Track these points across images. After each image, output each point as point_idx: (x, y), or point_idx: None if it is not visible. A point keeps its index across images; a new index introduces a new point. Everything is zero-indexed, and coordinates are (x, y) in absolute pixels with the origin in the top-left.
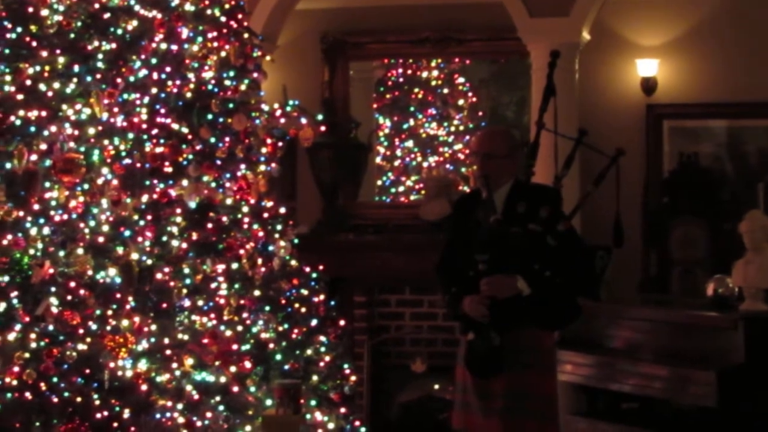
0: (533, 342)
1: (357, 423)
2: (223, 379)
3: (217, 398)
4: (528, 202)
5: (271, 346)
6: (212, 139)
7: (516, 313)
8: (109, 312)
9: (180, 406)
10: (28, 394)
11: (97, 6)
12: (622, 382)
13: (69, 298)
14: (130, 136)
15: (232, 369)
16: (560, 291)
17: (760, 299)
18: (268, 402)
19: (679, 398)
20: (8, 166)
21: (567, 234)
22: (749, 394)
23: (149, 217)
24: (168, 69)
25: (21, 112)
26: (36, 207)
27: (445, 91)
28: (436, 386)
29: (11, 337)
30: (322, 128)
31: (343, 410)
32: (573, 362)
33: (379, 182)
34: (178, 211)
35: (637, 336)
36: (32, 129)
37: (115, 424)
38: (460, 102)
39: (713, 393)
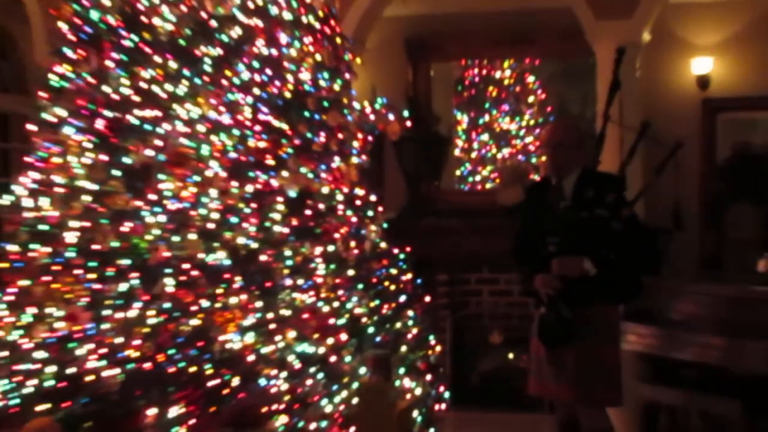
0: (599, 316)
1: (441, 389)
2: (321, 350)
3: (316, 367)
4: (595, 188)
5: (364, 320)
6: (309, 134)
7: (583, 290)
8: (219, 290)
9: (283, 374)
10: (147, 365)
11: (204, 15)
12: (682, 351)
13: (182, 278)
14: (236, 132)
15: (330, 341)
16: (624, 271)
17: None
18: (362, 370)
19: (734, 366)
20: (127, 160)
21: (631, 219)
22: None
23: (254, 205)
24: (268, 71)
25: (137, 112)
26: (152, 197)
27: (517, 88)
28: (511, 356)
29: (132, 314)
30: (407, 123)
31: (428, 377)
32: (637, 333)
33: (458, 172)
34: (280, 199)
35: (696, 309)
36: (147, 127)
37: (225, 392)
38: (531, 99)
39: (766, 361)
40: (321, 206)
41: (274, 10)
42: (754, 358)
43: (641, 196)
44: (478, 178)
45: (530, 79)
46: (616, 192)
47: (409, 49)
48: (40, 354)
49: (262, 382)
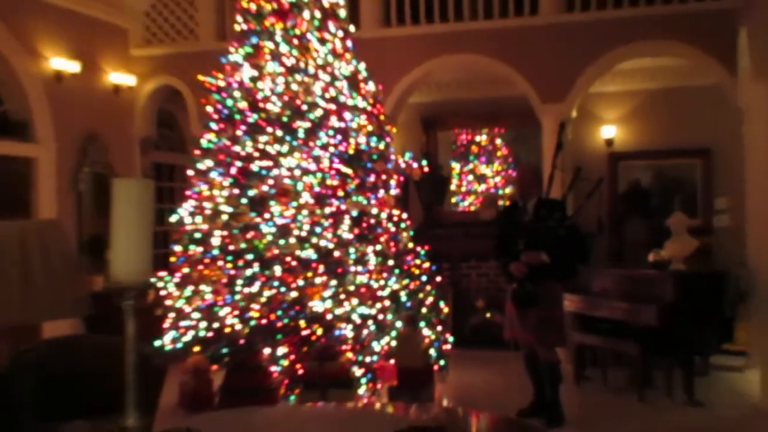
0: (551, 289)
1: (447, 335)
2: (372, 311)
3: (370, 322)
4: (547, 209)
5: (400, 292)
6: (364, 176)
7: (540, 273)
8: (308, 274)
9: (349, 327)
10: (263, 321)
11: (298, 102)
12: (599, 311)
13: (286, 267)
14: (318, 175)
15: (378, 305)
16: (565, 260)
17: (681, 263)
18: (398, 324)
19: (632, 320)
20: (251, 193)
21: (570, 228)
22: (677, 318)
23: (330, 221)
24: (339, 136)
25: (257, 163)
26: (266, 216)
27: (490, 147)
28: (489, 315)
29: (254, 289)
30: (423, 169)
31: (439, 328)
32: (572, 300)
33: (454, 199)
34: (346, 217)
35: (607, 284)
36: (263, 172)
37: (313, 338)
38: (498, 153)
39: (655, 317)
40: (372, 221)
41: (342, 99)
42: (644, 315)
43: (576, 213)
44: (466, 203)
45: (498, 141)
46: (560, 211)
47: (424, 123)
48: (196, 315)
49: (336, 332)
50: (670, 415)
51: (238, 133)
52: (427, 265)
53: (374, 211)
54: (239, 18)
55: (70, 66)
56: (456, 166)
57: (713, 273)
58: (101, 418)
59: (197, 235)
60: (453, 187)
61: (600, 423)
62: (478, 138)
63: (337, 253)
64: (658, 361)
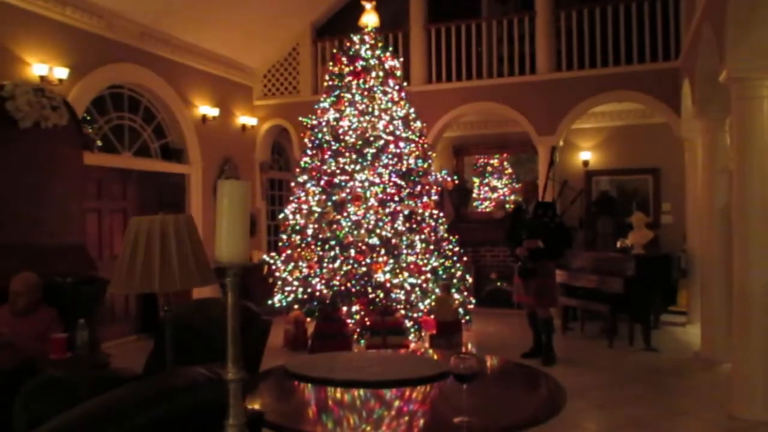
0: (546, 266)
1: (471, 298)
2: (419, 281)
3: (417, 288)
4: (543, 209)
5: (438, 268)
6: (414, 187)
7: (538, 254)
8: (374, 255)
9: (402, 292)
10: (342, 288)
11: (367, 135)
12: (578, 281)
13: (358, 250)
14: (381, 186)
15: (422, 277)
16: (556, 246)
17: (640, 249)
18: (437, 290)
19: (602, 288)
20: (334, 198)
21: (559, 223)
22: (637, 287)
23: (389, 218)
24: (395, 159)
25: (339, 177)
26: (345, 214)
27: (500, 167)
28: (499, 284)
29: (336, 265)
30: (454, 182)
31: (465, 293)
32: (559, 274)
33: (475, 204)
34: (401, 215)
35: (584, 263)
36: (343, 183)
37: (377, 300)
38: (506, 172)
39: (622, 286)
40: (418, 218)
41: (398, 132)
42: (613, 285)
43: (563, 213)
44: (483, 206)
45: (505, 163)
46: (552, 211)
47: (454, 150)
48: (296, 282)
49: (393, 295)
50: (633, 357)
51: (326, 156)
52: (457, 249)
53: (420, 211)
54: (327, 77)
55: (212, 111)
56: (476, 181)
57: (663, 255)
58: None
59: (297, 228)
60: (474, 195)
61: (582, 362)
62: (491, 161)
63: (394, 240)
64: (622, 318)
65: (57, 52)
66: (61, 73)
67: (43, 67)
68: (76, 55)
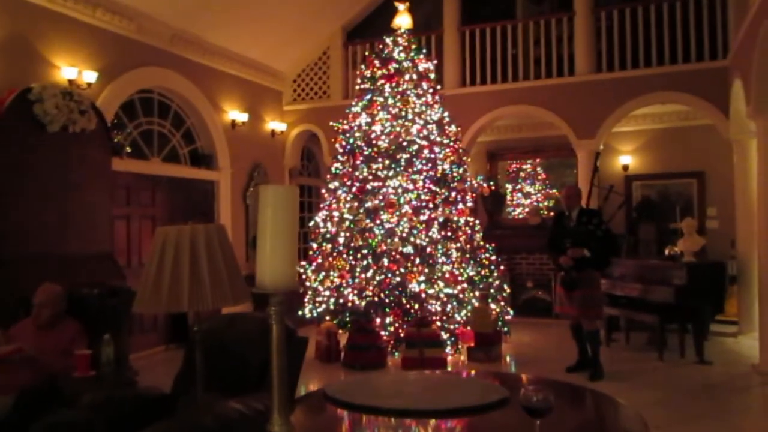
0: (591, 276)
1: (508, 308)
2: (455, 291)
3: (453, 299)
4: (587, 216)
5: (475, 277)
6: (448, 193)
7: (583, 264)
8: (408, 264)
9: (438, 302)
10: (376, 298)
11: (400, 139)
12: (621, 290)
13: (392, 258)
14: (415, 192)
15: (459, 287)
16: (602, 254)
17: (691, 256)
18: (474, 300)
19: (649, 298)
20: (367, 205)
21: (606, 230)
22: (689, 296)
23: (424, 225)
24: (430, 164)
25: (371, 183)
26: (378, 221)
27: (533, 173)
28: (534, 293)
29: (369, 274)
30: (490, 188)
31: (502, 303)
32: (603, 282)
33: (509, 210)
34: (436, 222)
35: (627, 271)
36: (375, 190)
37: (412, 310)
38: (538, 177)
39: (672, 296)
40: (454, 225)
41: (432, 137)
42: (662, 294)
43: (610, 220)
44: (516, 212)
45: (538, 168)
46: (598, 218)
47: (488, 155)
48: (327, 292)
49: (429, 306)
50: (686, 371)
51: (358, 162)
52: (494, 257)
53: (455, 218)
54: (359, 80)
55: (242, 117)
56: (509, 186)
57: (714, 263)
58: (257, 391)
59: (328, 236)
60: (508, 202)
61: (631, 377)
62: (525, 166)
63: (429, 249)
64: (671, 328)
65: (86, 55)
66: (90, 76)
67: (72, 70)
68: (105, 59)
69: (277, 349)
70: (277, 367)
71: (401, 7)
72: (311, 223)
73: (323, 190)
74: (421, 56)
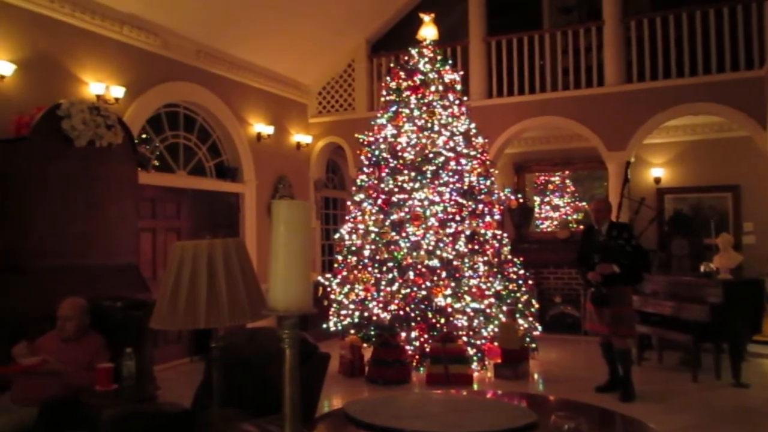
0: (621, 292)
1: (537, 324)
2: (482, 306)
3: (480, 314)
4: (617, 230)
5: (502, 291)
6: (475, 206)
7: (612, 280)
8: (434, 277)
9: (464, 318)
10: (401, 312)
11: (426, 151)
12: (653, 307)
13: (417, 272)
14: (441, 205)
15: (485, 302)
16: (633, 270)
17: (727, 273)
18: (501, 315)
19: (683, 316)
20: (393, 217)
21: (636, 245)
22: (726, 315)
23: (450, 239)
24: (456, 176)
25: (397, 196)
26: (403, 234)
27: (561, 185)
28: (562, 308)
29: (394, 288)
30: (518, 201)
31: (530, 319)
32: (634, 299)
33: (537, 223)
34: (462, 235)
35: (658, 287)
36: (401, 202)
37: (437, 325)
38: (567, 190)
39: (707, 315)
40: (481, 239)
41: (458, 149)
42: (697, 312)
43: (641, 234)
44: (544, 225)
45: (567, 181)
46: (628, 232)
47: (515, 167)
48: (352, 306)
49: (455, 321)
50: (722, 393)
51: (383, 174)
52: (522, 271)
53: (482, 231)
54: (384, 92)
55: (267, 129)
56: (537, 199)
57: (751, 280)
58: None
59: (353, 248)
60: (536, 215)
61: (664, 398)
62: (553, 178)
63: (455, 262)
64: (706, 348)
65: (114, 70)
66: (118, 92)
67: (100, 86)
68: (132, 74)
69: (290, 378)
70: (289, 396)
71: (426, 18)
72: (336, 236)
73: (348, 203)
74: (447, 67)
